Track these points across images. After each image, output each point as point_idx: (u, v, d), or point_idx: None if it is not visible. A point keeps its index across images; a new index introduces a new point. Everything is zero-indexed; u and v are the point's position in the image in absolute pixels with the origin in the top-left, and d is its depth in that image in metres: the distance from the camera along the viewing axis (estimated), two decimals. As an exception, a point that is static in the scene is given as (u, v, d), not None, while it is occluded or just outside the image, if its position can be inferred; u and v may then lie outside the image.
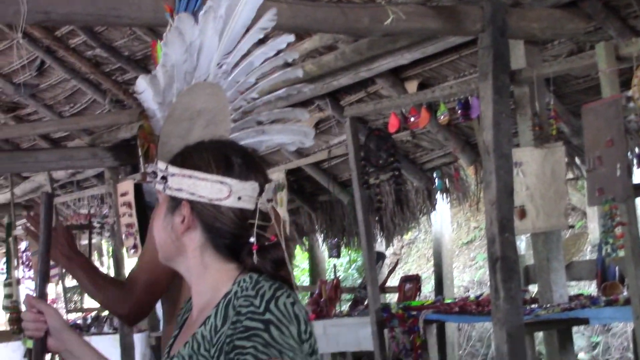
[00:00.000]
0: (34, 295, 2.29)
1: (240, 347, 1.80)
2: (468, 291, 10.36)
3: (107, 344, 9.27)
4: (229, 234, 1.98)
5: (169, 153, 2.11)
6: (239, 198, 1.98)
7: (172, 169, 2.01)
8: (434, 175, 8.23)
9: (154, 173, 2.05)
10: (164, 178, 2.02)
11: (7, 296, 13.02)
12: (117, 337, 9.54)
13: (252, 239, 1.97)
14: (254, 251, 1.96)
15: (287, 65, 2.33)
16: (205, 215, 1.98)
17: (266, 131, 2.30)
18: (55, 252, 3.26)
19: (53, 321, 2.20)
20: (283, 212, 8.73)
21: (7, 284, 13.16)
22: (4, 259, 14.12)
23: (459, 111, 6.36)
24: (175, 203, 2.01)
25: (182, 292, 3.35)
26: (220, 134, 2.17)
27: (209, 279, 2.01)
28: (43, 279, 2.32)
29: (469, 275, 11.39)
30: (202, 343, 1.90)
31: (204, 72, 2.21)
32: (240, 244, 1.98)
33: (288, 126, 2.33)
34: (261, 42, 2.42)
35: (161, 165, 2.04)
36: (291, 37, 2.43)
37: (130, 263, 11.41)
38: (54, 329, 2.20)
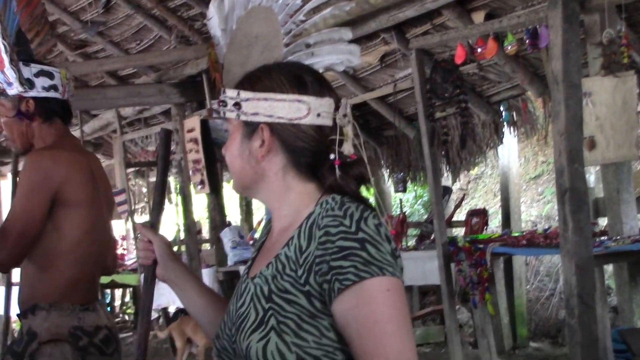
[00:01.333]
0: (146, 224, 2.35)
1: (338, 267, 1.80)
2: (536, 226, 10.27)
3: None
4: (310, 152, 1.99)
5: (233, 81, 2.10)
6: (318, 115, 1.98)
7: (245, 94, 2.01)
8: (501, 108, 8.13)
9: (224, 102, 2.04)
10: (237, 104, 2.02)
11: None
12: (185, 272, 9.66)
13: (333, 156, 1.96)
14: (337, 166, 1.95)
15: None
16: (286, 136, 1.98)
17: (315, 53, 2.28)
18: None
19: (161, 250, 2.28)
20: (349, 147, 8.71)
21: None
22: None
23: (527, 41, 6.23)
24: (251, 128, 2.01)
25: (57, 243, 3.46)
26: (275, 59, 2.15)
27: (291, 201, 2.01)
28: (157, 209, 2.38)
29: (537, 210, 11.28)
30: (287, 263, 1.91)
31: (259, -5, 2.20)
32: (322, 161, 1.98)
33: (336, 46, 2.31)
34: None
35: (231, 92, 2.04)
36: None
37: (197, 199, 11.54)
38: (162, 258, 2.28)
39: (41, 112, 3.57)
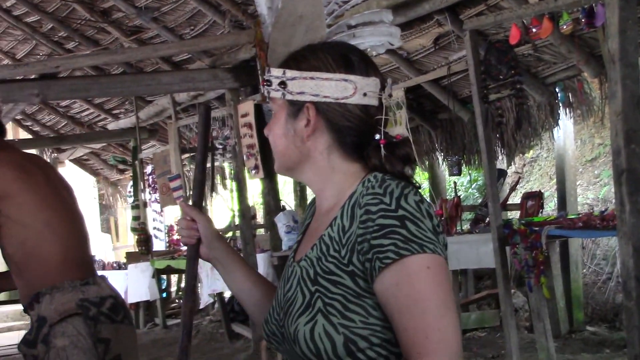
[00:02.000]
0: (189, 203, 2.35)
1: (379, 246, 1.79)
2: (592, 209, 10.15)
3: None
4: (356, 132, 1.98)
5: (277, 60, 2.09)
6: (364, 94, 1.97)
7: (291, 73, 2.00)
8: (557, 89, 8.02)
9: (269, 81, 2.04)
10: (283, 83, 2.01)
11: (135, 218, 13.43)
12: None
13: (378, 136, 1.95)
14: (382, 146, 1.94)
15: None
16: (332, 115, 1.98)
17: (357, 35, 2.27)
18: None
19: (205, 230, 2.27)
20: (402, 130, 8.66)
21: (135, 207, 13.56)
22: (131, 182, 14.52)
23: (583, 20, 6.15)
24: (296, 107, 2.01)
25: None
26: (318, 39, 2.14)
27: (336, 181, 2.01)
28: (198, 188, 2.37)
29: (593, 193, 11.15)
30: (331, 244, 1.91)
31: (304, -26, 2.19)
32: (367, 141, 1.97)
33: (377, 28, 2.30)
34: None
35: (276, 71, 2.03)
36: None
37: (252, 184, 11.59)
38: (206, 237, 2.27)
39: None
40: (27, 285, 3.60)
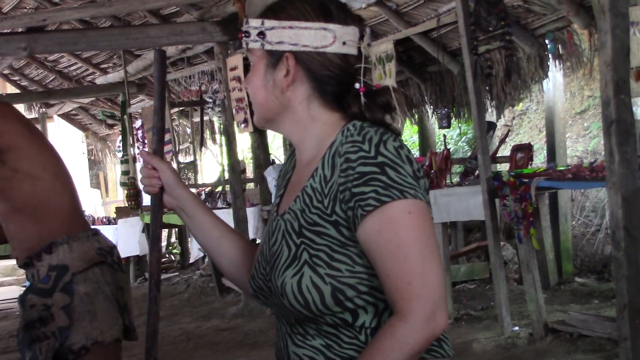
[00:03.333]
0: (150, 151, 2.32)
1: (360, 194, 1.80)
2: (581, 161, 10.17)
3: (221, 218, 9.51)
4: (336, 81, 1.98)
5: (255, 12, 2.08)
6: (344, 43, 1.97)
7: (269, 23, 1.99)
8: (546, 40, 7.99)
9: (247, 32, 2.02)
10: (261, 34, 2.00)
11: (124, 173, 13.44)
12: (230, 211, 9.76)
13: (358, 85, 1.95)
14: (362, 94, 1.93)
15: None
16: (312, 65, 1.97)
17: None
18: None
19: (167, 177, 2.24)
20: (392, 83, 8.64)
21: (124, 161, 13.55)
22: (120, 137, 14.49)
23: (573, -30, 6.12)
24: (275, 58, 2.00)
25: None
26: None
27: (315, 131, 2.00)
28: (159, 135, 2.35)
29: (582, 145, 11.16)
30: (314, 195, 1.91)
31: None
32: (347, 90, 1.97)
33: None
34: None
35: (255, 22, 2.02)
36: None
37: (241, 138, 11.56)
38: (168, 185, 2.25)
39: None
40: (34, 238, 3.59)
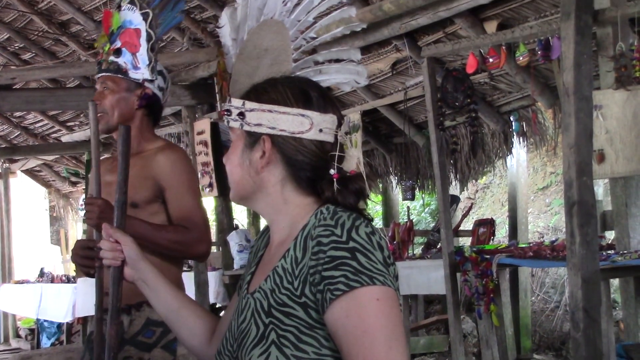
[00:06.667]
0: (112, 225, 2.32)
1: (329, 277, 1.81)
2: (542, 237, 10.25)
3: (182, 281, 9.44)
4: (310, 167, 2.00)
5: (239, 91, 2.11)
6: (320, 130, 2.00)
7: (250, 104, 2.02)
8: (511, 118, 8.11)
9: (228, 111, 2.06)
10: (242, 114, 2.03)
11: (86, 232, 13.30)
12: (191, 274, 9.69)
13: (332, 171, 1.97)
14: (335, 180, 1.96)
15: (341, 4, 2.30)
16: (287, 149, 2.00)
17: (323, 71, 2.29)
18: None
19: (130, 251, 2.25)
20: (358, 153, 8.70)
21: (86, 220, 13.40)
22: (83, 195, 14.38)
23: (539, 52, 6.21)
24: (253, 139, 2.02)
25: None
26: (283, 73, 2.16)
27: (288, 213, 2.02)
28: (121, 209, 2.35)
29: (544, 221, 11.26)
30: (284, 275, 1.91)
31: (272, 9, 2.21)
32: (321, 176, 1.99)
33: (344, 66, 2.32)
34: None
35: (236, 102, 2.05)
36: None
37: (206, 201, 11.53)
38: (130, 258, 2.25)
39: (149, 105, 3.72)
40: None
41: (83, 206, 14.02)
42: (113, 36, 3.65)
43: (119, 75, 3.63)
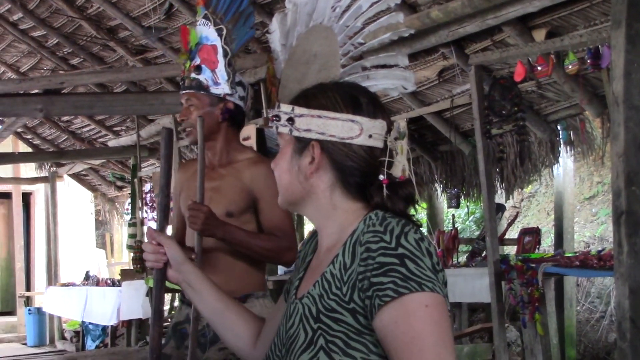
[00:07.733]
0: (155, 228, 2.35)
1: (378, 284, 1.81)
2: (589, 247, 10.16)
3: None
4: (359, 172, 2.01)
5: (288, 97, 2.12)
6: (370, 136, 2.00)
7: (299, 110, 2.03)
8: (559, 127, 8.05)
9: (277, 116, 2.07)
10: (291, 120, 2.04)
11: (131, 236, 13.41)
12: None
13: (382, 176, 1.98)
14: (384, 186, 1.96)
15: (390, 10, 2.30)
16: (336, 155, 2.01)
17: (371, 76, 2.30)
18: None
19: (173, 253, 2.27)
20: (403, 160, 8.67)
21: (132, 224, 13.53)
22: (129, 200, 14.50)
23: (589, 61, 6.18)
24: (302, 144, 2.03)
25: None
26: (331, 79, 2.17)
27: (337, 219, 2.03)
28: (162, 212, 2.38)
29: (590, 231, 11.16)
30: (333, 282, 1.92)
31: (321, 14, 2.22)
32: (370, 182, 2.00)
33: (392, 71, 2.33)
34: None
35: (285, 107, 2.06)
36: None
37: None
38: (174, 260, 2.28)
39: (232, 116, 3.85)
40: (240, 282, 3.75)
41: (129, 210, 14.12)
42: (192, 53, 3.79)
43: (202, 92, 3.78)
